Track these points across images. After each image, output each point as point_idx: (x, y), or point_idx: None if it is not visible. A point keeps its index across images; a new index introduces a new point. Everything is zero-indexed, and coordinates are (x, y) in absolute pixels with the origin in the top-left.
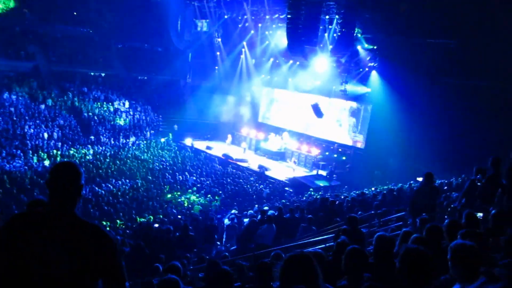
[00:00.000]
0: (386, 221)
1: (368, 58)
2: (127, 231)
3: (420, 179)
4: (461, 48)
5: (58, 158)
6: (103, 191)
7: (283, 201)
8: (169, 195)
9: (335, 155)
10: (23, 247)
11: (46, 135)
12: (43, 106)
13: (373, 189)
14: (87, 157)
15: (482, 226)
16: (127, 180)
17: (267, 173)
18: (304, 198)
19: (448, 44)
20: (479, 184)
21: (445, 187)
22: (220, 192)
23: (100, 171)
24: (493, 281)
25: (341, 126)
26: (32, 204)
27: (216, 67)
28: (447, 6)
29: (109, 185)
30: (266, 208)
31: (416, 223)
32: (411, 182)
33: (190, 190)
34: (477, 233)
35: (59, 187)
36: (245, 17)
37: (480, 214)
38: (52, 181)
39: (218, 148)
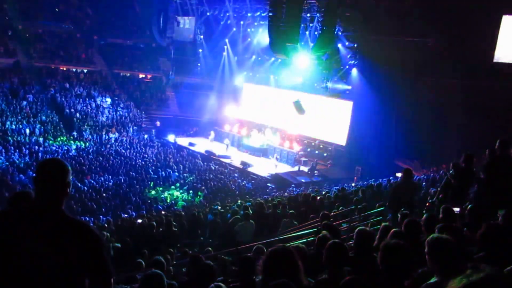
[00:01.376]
0: (366, 216)
1: (348, 56)
2: (105, 225)
3: (399, 174)
4: (438, 46)
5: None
6: (86, 187)
7: (265, 196)
8: (153, 192)
9: (317, 152)
10: (9, 245)
11: (28, 131)
12: (24, 102)
13: (353, 184)
14: (70, 153)
15: (458, 221)
16: (110, 176)
17: (249, 169)
18: (286, 193)
19: (426, 43)
20: (451, 179)
21: (424, 183)
22: (203, 188)
23: (83, 167)
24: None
25: (322, 123)
26: (15, 197)
27: (199, 64)
28: (424, 6)
29: (92, 181)
30: (247, 204)
31: (396, 218)
32: (390, 178)
33: (173, 186)
34: (453, 227)
35: (47, 184)
36: (227, 14)
37: (457, 209)
38: (40, 178)
39: (201, 145)
